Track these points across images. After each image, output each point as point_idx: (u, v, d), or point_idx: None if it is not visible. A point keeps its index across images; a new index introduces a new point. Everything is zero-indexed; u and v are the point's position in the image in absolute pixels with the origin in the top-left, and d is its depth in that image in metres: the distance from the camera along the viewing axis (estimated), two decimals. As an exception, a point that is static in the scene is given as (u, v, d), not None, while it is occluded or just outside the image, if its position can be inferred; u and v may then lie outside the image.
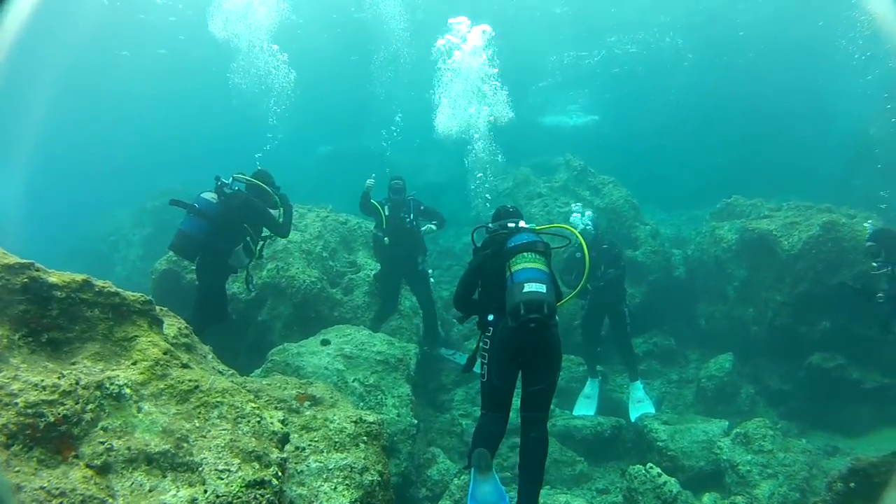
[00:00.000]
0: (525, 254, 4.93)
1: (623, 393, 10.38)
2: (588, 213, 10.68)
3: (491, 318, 5.16)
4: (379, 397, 6.91)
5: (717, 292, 12.25)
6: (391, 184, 10.24)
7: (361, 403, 6.57)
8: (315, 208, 11.97)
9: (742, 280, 11.64)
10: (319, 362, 6.94)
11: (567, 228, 6.17)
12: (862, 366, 9.75)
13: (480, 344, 5.24)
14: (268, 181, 7.99)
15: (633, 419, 9.37)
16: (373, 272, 10.73)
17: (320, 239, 10.92)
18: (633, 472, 6.87)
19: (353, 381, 6.86)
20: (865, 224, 9.95)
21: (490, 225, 5.71)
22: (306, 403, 4.32)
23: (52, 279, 3.34)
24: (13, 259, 3.30)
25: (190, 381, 3.33)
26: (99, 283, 3.51)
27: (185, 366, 3.45)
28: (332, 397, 4.55)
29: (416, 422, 7.01)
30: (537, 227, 5.65)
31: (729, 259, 11.98)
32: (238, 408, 3.29)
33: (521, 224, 5.52)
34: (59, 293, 3.32)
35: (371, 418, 4.42)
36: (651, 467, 6.88)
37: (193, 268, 8.52)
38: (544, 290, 4.69)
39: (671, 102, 27.18)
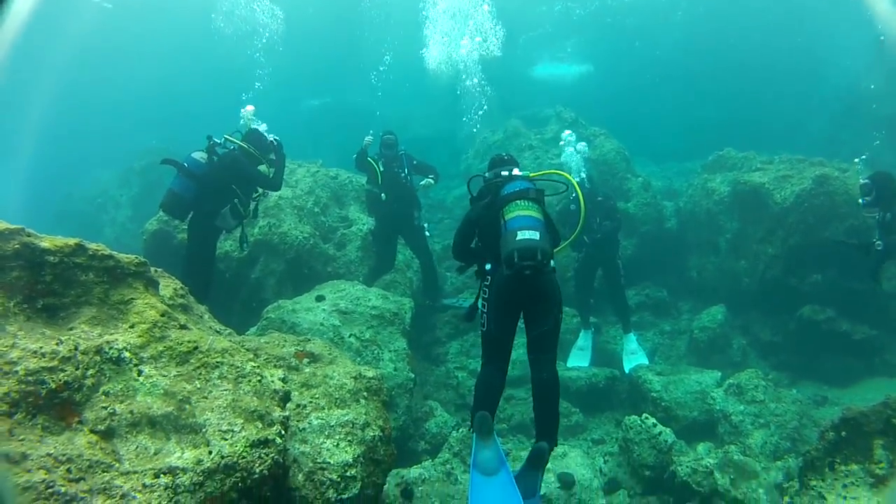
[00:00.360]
0: (518, 201, 4.93)
1: (616, 344, 10.47)
2: (582, 145, 10.58)
3: (488, 267, 5.16)
4: (375, 352, 6.93)
5: (709, 244, 12.28)
6: (383, 138, 10.09)
7: (358, 359, 6.59)
8: (305, 164, 11.81)
9: (734, 232, 11.67)
10: (315, 318, 6.94)
11: (562, 175, 6.09)
12: (851, 318, 9.86)
13: (480, 293, 5.24)
14: (259, 140, 7.85)
15: (626, 371, 9.46)
16: (365, 226, 10.66)
17: (311, 194, 10.80)
18: (628, 423, 6.90)
19: (349, 337, 6.87)
20: (856, 160, 9.95)
21: (486, 174, 5.68)
22: (305, 360, 4.31)
23: (45, 244, 3.28)
24: (3, 225, 3.24)
25: (189, 342, 3.30)
26: (92, 246, 3.45)
27: (183, 327, 3.42)
28: (330, 354, 4.55)
29: (413, 376, 7.05)
30: (532, 175, 5.61)
31: (721, 211, 11.99)
32: (238, 367, 3.28)
33: (516, 172, 5.50)
34: (52, 258, 3.26)
35: (371, 374, 4.43)
36: (646, 417, 6.92)
37: (185, 227, 8.45)
38: (537, 237, 4.70)
39: (662, 55, 26.84)
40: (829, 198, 10.17)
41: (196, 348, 3.27)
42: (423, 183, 10.26)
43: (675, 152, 20.96)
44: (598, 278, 10.38)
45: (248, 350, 3.70)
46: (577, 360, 9.83)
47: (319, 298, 7.48)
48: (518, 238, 4.66)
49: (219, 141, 7.50)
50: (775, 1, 23.52)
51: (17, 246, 3.18)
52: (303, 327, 6.71)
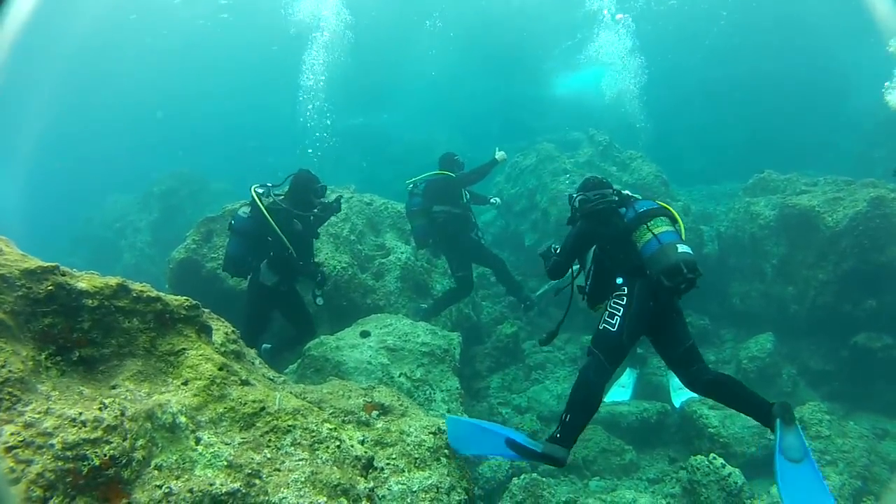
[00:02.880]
0: (662, 218, 5.00)
1: (661, 376, 9.95)
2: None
3: (620, 280, 5.09)
4: (428, 392, 6.40)
5: (753, 270, 11.75)
6: (455, 159, 9.57)
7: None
8: (338, 189, 11.25)
9: (781, 258, 11.13)
10: (361, 356, 6.40)
11: (667, 208, 5.83)
12: (911, 346, 9.32)
13: (610, 305, 5.13)
14: (305, 187, 7.24)
15: (677, 406, 8.96)
16: (404, 255, 10.14)
17: (347, 221, 10.26)
18: (695, 464, 6.57)
19: (399, 377, 6.35)
20: None
21: (577, 194, 5.59)
22: (374, 413, 3.76)
23: (82, 285, 2.80)
24: (35, 262, 2.76)
25: (254, 402, 2.78)
26: (136, 286, 2.96)
27: (244, 382, 2.91)
28: (401, 405, 3.99)
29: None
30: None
31: (766, 236, 11.46)
32: (313, 431, 2.76)
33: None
34: (90, 301, 2.78)
35: (450, 427, 3.91)
36: (714, 458, 6.57)
37: (213, 255, 8.18)
38: (692, 252, 4.76)
39: (695, 69, 26.24)
40: (885, 220, 9.64)
41: (263, 409, 2.76)
42: (493, 202, 10.24)
43: (700, 175, 20.48)
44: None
45: (311, 403, 3.20)
46: (616, 397, 9.35)
47: (364, 334, 6.94)
48: (680, 251, 4.69)
49: (260, 191, 7.00)
50: (803, 21, 23.14)
51: (50, 287, 2.70)
52: (349, 366, 6.18)
